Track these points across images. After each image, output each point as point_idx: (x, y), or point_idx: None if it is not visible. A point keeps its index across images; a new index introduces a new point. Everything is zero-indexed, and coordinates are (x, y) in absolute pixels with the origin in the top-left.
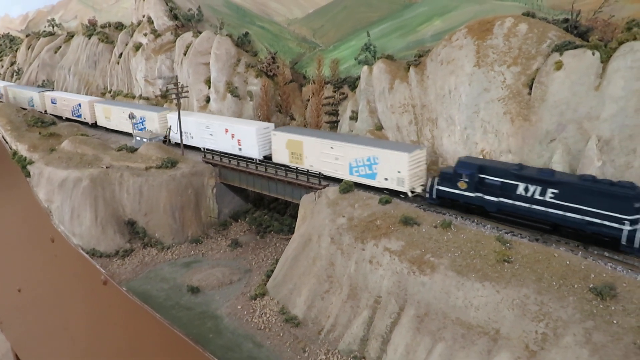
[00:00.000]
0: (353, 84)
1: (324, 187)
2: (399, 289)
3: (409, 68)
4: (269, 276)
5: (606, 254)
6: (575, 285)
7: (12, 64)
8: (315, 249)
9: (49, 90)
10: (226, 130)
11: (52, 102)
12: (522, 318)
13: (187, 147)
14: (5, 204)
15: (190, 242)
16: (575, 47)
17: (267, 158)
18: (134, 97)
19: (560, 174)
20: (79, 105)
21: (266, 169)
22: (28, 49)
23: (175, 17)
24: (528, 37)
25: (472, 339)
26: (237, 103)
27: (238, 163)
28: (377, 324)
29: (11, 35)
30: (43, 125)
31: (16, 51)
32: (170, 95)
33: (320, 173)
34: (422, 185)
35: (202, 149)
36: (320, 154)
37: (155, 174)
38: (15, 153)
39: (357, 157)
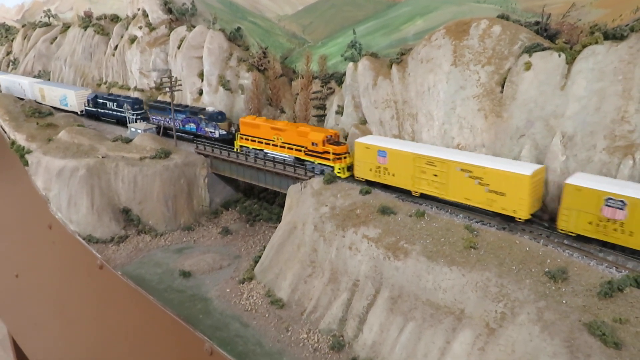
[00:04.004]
0: (340, 79)
1: (310, 178)
2: (375, 273)
3: (391, 65)
4: (256, 262)
5: (565, 242)
6: (533, 270)
7: (8, 53)
8: (299, 236)
9: None
10: (19, 84)
11: None
12: (484, 299)
13: (180, 138)
14: (4, 192)
15: (182, 229)
16: (543, 49)
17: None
18: (128, 89)
19: (120, 97)
20: None
21: (255, 160)
22: (24, 39)
23: (169, 11)
24: (501, 38)
25: (439, 318)
26: (229, 96)
27: (229, 154)
28: (355, 305)
29: (7, 25)
30: (40, 115)
31: (12, 41)
32: (164, 88)
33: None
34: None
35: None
36: (51, 95)
37: (149, 164)
38: (13, 143)
39: (62, 95)
